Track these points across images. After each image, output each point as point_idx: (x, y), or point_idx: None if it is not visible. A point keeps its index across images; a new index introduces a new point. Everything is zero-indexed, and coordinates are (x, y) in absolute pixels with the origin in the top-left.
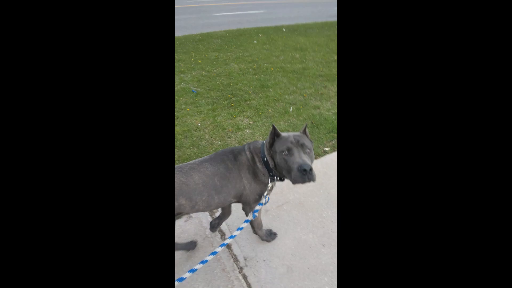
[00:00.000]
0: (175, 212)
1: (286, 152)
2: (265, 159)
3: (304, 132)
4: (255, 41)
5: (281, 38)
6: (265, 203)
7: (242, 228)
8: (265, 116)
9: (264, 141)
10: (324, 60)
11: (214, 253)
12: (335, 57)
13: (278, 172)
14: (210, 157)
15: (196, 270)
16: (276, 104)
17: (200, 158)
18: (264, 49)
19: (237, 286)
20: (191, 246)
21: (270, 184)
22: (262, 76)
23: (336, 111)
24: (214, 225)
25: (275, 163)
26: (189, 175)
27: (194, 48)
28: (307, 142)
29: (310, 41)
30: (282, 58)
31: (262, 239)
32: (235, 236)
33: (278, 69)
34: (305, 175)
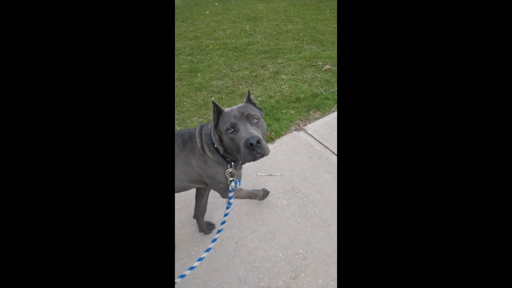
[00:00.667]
0: None
1: (231, 130)
2: (215, 145)
3: (249, 100)
4: (207, 12)
5: (238, 6)
6: (237, 186)
7: (224, 220)
8: (177, 111)
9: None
10: (276, 31)
11: (208, 250)
12: (289, 27)
13: (232, 155)
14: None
15: (194, 267)
16: (198, 93)
17: None
18: (213, 21)
19: None
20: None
21: (229, 171)
22: (197, 56)
23: (264, 98)
24: (202, 228)
25: (224, 147)
26: None
27: None
28: (252, 111)
29: (268, 7)
30: (229, 32)
31: (260, 200)
32: (221, 230)
33: (219, 46)
34: (253, 150)
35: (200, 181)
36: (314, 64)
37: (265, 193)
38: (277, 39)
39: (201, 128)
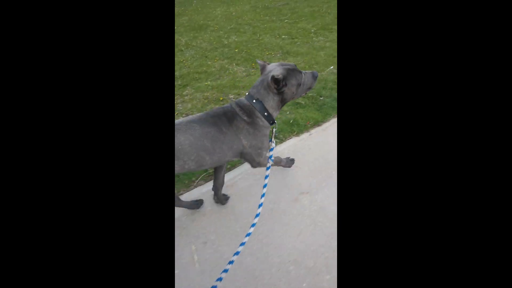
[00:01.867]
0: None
1: (300, 82)
2: (266, 113)
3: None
4: None
5: (194, 11)
6: (274, 147)
7: (264, 193)
8: None
9: (253, 101)
10: (212, 45)
11: (243, 244)
12: (231, 39)
13: (284, 104)
14: (200, 117)
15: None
16: None
17: (186, 118)
18: None
19: None
20: (196, 205)
21: (274, 130)
22: None
23: None
24: (220, 200)
25: (283, 102)
26: (177, 137)
27: None
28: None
29: (225, 12)
30: None
31: (285, 166)
32: (261, 204)
33: None
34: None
35: (239, 153)
36: (222, 98)
37: (290, 161)
38: (206, 57)
39: (239, 106)
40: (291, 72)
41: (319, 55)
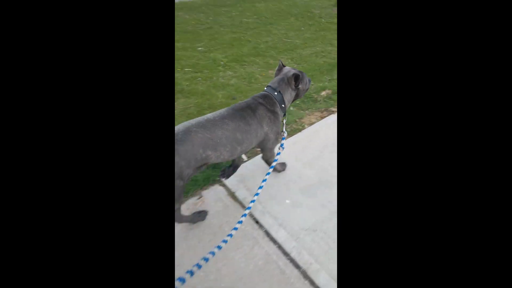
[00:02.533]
0: (203, 163)
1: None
2: (283, 105)
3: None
4: None
5: None
6: (286, 136)
7: (265, 180)
8: None
9: (275, 93)
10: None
11: (240, 222)
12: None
13: (292, 102)
14: (228, 113)
15: (226, 241)
16: None
17: (216, 114)
18: None
19: None
20: (200, 217)
21: (284, 121)
22: None
23: None
24: (228, 173)
25: (296, 98)
26: (212, 132)
27: None
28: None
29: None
30: None
31: (279, 171)
32: (258, 193)
33: None
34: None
35: (261, 141)
36: None
37: (283, 165)
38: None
39: (261, 99)
40: (303, 74)
41: (216, 96)
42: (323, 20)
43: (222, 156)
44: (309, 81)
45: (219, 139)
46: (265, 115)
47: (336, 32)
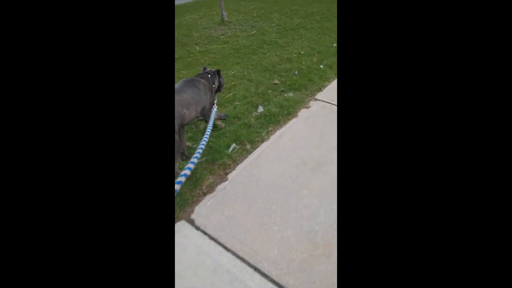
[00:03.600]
0: (180, 121)
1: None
2: (213, 86)
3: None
4: None
5: None
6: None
7: (207, 137)
8: None
9: (209, 75)
10: None
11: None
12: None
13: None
14: (185, 83)
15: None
16: None
17: (177, 86)
18: None
19: None
20: None
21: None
22: None
23: None
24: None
25: (219, 85)
26: (181, 95)
27: None
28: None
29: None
30: None
31: (223, 119)
32: (202, 148)
33: None
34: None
35: (203, 106)
36: None
37: (224, 115)
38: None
39: (202, 76)
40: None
41: None
42: (197, 48)
43: (191, 115)
44: (222, 80)
45: (187, 100)
46: (206, 86)
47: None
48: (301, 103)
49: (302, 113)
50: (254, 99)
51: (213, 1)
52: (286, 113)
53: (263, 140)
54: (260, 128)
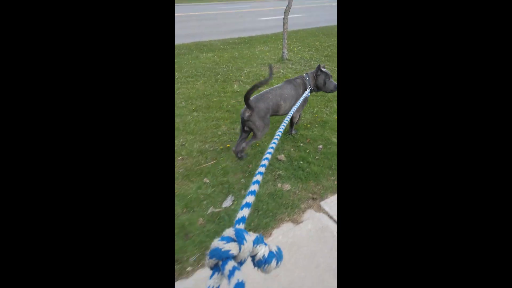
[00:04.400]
0: (277, 110)
1: (329, 79)
2: (310, 88)
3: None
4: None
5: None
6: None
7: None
8: None
9: (308, 75)
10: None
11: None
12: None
13: (317, 87)
14: (284, 83)
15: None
16: None
17: (276, 86)
18: None
19: None
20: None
21: (309, 94)
22: None
23: None
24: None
25: (317, 84)
26: (282, 90)
27: None
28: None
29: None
30: None
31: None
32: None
33: None
34: (336, 88)
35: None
36: None
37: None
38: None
39: (300, 78)
40: (327, 72)
41: None
42: (235, 86)
43: (287, 107)
44: (332, 82)
45: (286, 94)
46: (301, 85)
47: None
48: (291, 210)
49: (283, 232)
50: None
51: (296, 34)
52: (259, 223)
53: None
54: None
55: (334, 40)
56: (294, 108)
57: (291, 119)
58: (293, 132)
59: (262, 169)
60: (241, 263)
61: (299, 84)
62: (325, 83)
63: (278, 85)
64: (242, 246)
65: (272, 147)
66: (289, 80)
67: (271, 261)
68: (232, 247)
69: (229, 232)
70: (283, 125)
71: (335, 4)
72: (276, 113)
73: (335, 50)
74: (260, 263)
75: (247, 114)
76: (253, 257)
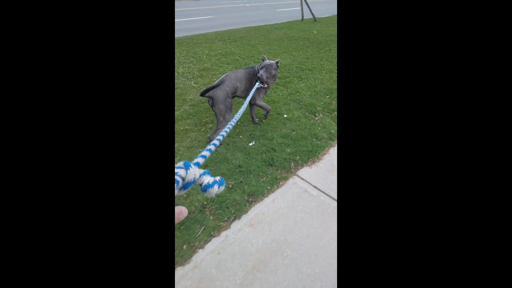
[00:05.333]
0: (234, 91)
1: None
2: (258, 75)
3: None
4: None
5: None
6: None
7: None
8: None
9: (257, 66)
10: None
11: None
12: None
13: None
14: (239, 70)
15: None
16: None
17: (235, 71)
18: None
19: None
20: None
21: (260, 85)
22: None
23: None
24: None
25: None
26: (237, 73)
27: None
28: (272, 67)
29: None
30: None
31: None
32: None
33: None
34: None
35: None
36: None
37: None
38: None
39: (253, 67)
40: (271, 63)
41: None
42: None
43: (243, 90)
44: (275, 71)
45: (240, 76)
46: (253, 73)
47: None
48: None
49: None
50: None
51: (191, 40)
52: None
53: None
54: None
55: (229, 47)
56: (250, 95)
57: (252, 105)
58: (257, 121)
59: (216, 142)
60: (189, 183)
61: (250, 71)
62: (273, 76)
63: (233, 71)
64: (188, 171)
65: (231, 124)
66: (246, 68)
67: (213, 186)
68: (181, 171)
69: (180, 164)
70: (243, 107)
71: (249, 5)
72: (234, 94)
73: (221, 59)
74: (206, 187)
75: (210, 102)
76: (200, 185)
